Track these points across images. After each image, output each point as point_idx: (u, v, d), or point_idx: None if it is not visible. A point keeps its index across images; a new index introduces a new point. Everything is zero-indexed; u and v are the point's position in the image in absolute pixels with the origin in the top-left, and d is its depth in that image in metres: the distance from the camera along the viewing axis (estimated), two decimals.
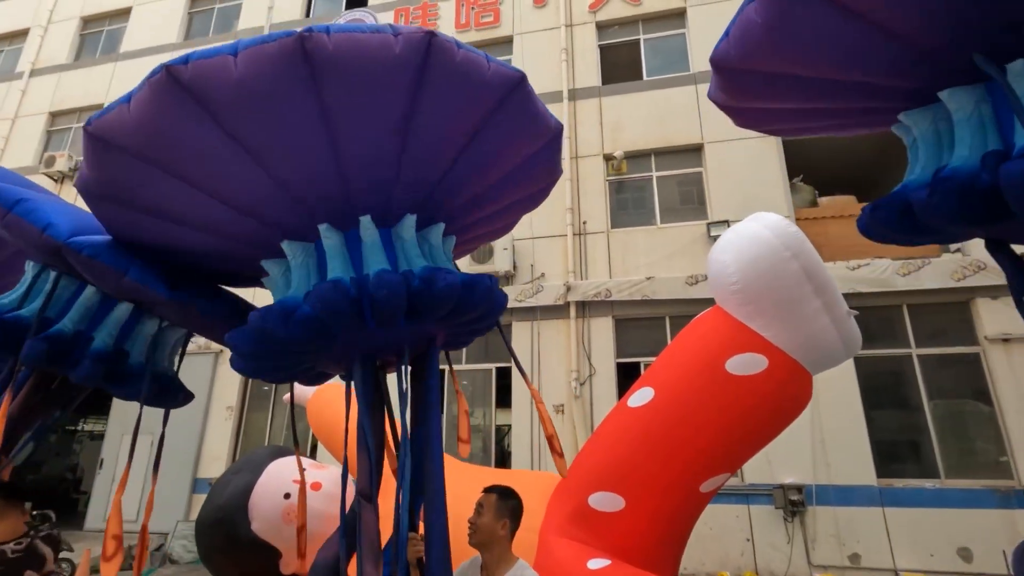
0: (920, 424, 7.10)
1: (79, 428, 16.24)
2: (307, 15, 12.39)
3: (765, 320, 3.08)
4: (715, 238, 8.28)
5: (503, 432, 9.65)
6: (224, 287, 2.85)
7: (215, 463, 9.13)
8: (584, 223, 8.96)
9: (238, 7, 12.95)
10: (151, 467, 2.88)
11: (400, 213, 2.13)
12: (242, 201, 2.02)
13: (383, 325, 2.04)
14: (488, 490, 2.29)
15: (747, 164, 8.62)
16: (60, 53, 13.78)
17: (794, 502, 6.88)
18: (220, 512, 3.64)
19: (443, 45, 1.73)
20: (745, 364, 3.07)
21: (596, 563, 2.83)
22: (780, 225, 3.02)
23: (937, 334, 7.36)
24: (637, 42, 10.16)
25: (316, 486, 3.74)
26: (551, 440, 2.52)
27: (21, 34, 14.46)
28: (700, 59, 9.48)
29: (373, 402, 2.19)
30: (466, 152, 2.01)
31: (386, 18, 11.46)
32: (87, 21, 14.21)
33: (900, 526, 6.66)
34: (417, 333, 2.17)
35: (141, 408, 2.75)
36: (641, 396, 3.41)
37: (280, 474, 3.81)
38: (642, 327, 8.39)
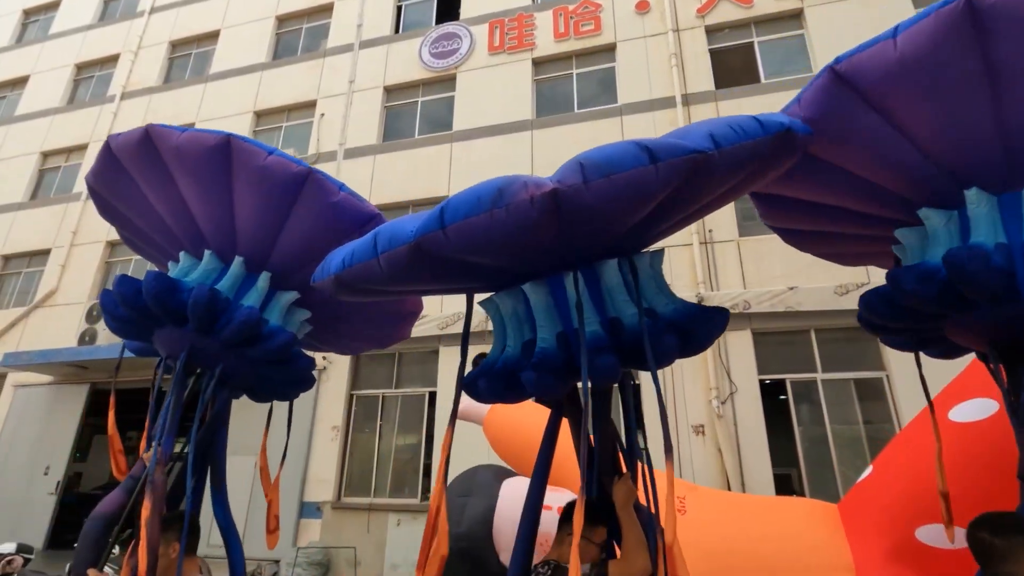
0: None
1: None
2: (396, 31, 12.37)
3: None
4: None
5: None
6: None
7: (322, 486, 8.75)
8: (710, 231, 8.47)
9: (326, 26, 13.04)
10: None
11: None
12: (894, 177, 2.12)
13: None
14: None
15: None
16: (150, 76, 14.07)
17: None
18: (463, 542, 3.20)
19: None
20: None
21: None
22: None
23: None
24: (751, 45, 9.75)
25: (556, 509, 3.30)
26: None
27: (112, 59, 14.86)
28: (823, 59, 9.01)
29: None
30: None
31: (480, 31, 11.33)
32: (175, 45, 14.53)
33: None
34: None
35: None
36: (974, 409, 2.87)
37: (520, 497, 3.37)
38: (785, 341, 7.79)
